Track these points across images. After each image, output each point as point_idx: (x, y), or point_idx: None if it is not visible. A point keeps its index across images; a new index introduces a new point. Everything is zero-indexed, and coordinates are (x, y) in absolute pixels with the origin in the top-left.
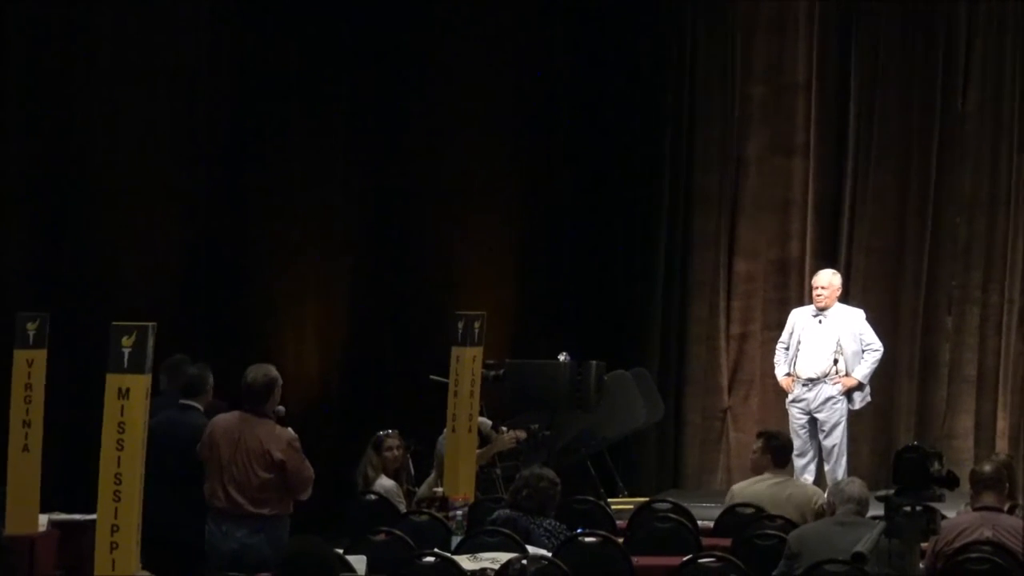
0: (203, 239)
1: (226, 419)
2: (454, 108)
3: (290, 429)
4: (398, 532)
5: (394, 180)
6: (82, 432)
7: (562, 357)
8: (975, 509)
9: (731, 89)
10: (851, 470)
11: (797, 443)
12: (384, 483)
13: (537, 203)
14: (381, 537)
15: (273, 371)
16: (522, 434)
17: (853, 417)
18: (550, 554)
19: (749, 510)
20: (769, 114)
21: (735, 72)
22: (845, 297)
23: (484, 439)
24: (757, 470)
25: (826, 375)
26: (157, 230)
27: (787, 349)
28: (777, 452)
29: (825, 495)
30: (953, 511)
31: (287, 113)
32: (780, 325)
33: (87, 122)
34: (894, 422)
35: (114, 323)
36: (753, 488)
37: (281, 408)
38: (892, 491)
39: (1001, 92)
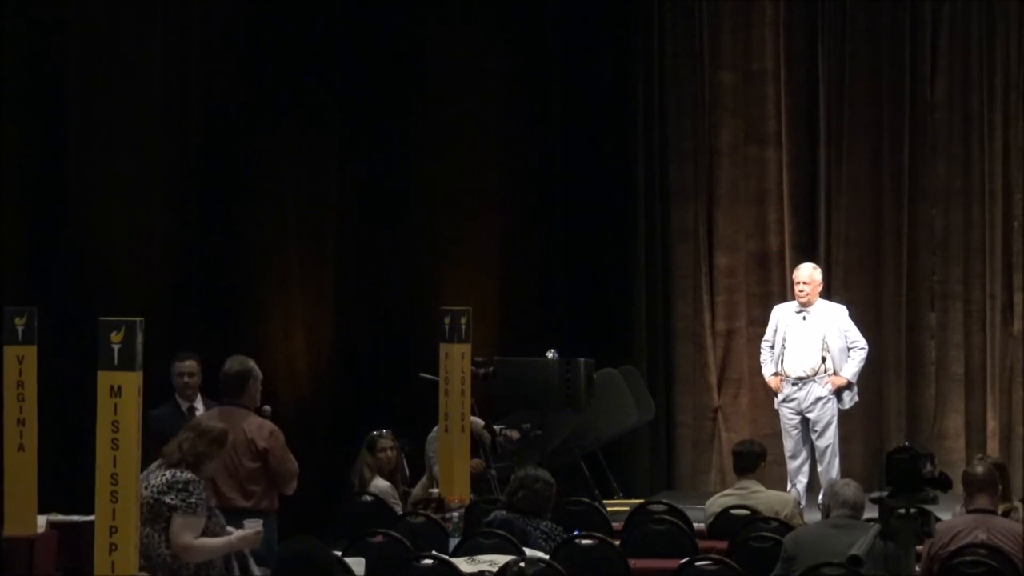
0: (192, 235)
1: (207, 416)
2: (441, 105)
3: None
4: (395, 534)
5: (381, 176)
6: (77, 430)
7: (550, 355)
8: (969, 511)
9: (701, 77)
10: (844, 471)
11: (789, 444)
12: (379, 484)
13: (522, 199)
14: (378, 539)
15: (249, 362)
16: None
17: (844, 417)
18: (547, 556)
19: (744, 512)
20: (740, 103)
21: (703, 60)
22: (827, 292)
23: (475, 439)
24: None
25: (816, 373)
26: (146, 225)
27: (772, 347)
28: (736, 460)
29: (794, 505)
30: (947, 513)
31: (277, 109)
32: (765, 321)
33: (76, 115)
34: (885, 422)
35: (101, 318)
36: (723, 500)
37: (268, 408)
38: (885, 493)
39: (969, 81)
